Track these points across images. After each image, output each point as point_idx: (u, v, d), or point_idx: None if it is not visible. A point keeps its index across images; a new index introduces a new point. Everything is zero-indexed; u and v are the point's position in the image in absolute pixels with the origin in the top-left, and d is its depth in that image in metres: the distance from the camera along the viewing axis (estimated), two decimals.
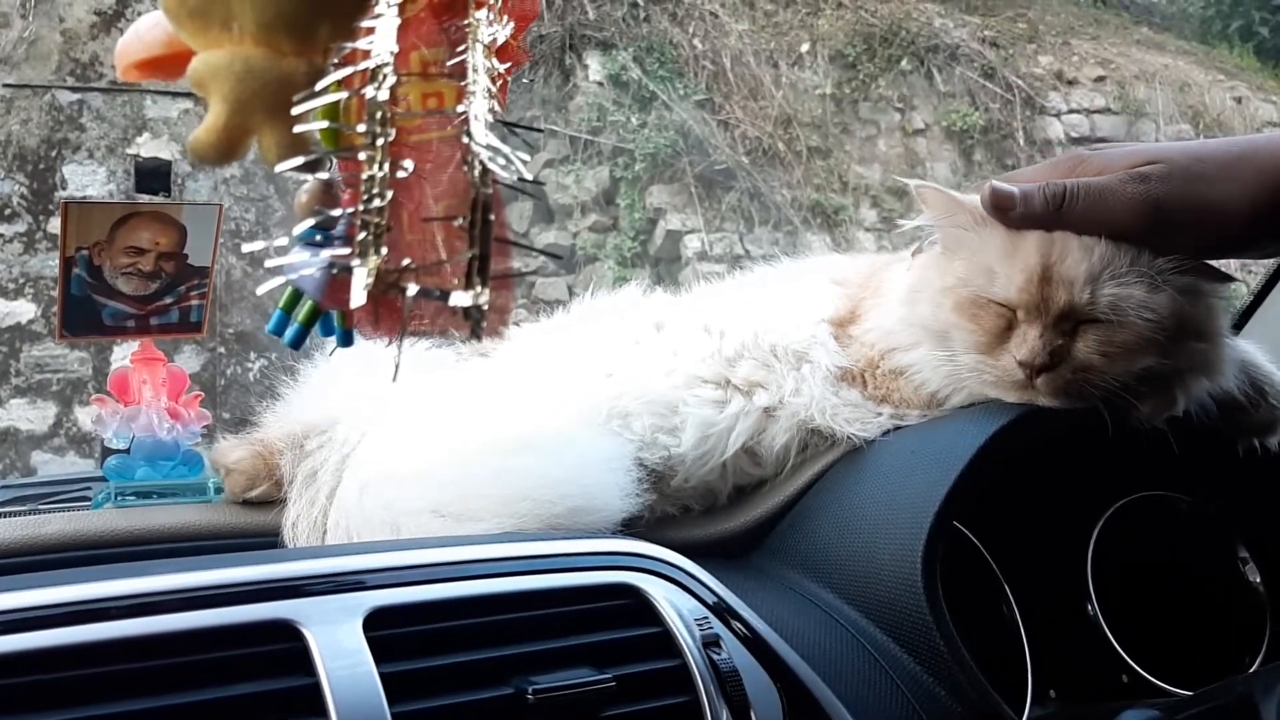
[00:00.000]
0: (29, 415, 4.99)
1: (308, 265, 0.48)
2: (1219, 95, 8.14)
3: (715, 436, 0.98)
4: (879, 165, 7.32)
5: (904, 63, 7.62)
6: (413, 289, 0.43)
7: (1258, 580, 0.99)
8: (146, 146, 5.39)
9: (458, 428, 0.95)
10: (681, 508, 1.00)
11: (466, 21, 0.51)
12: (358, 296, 0.43)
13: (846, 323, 1.03)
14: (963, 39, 8.01)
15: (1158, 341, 0.85)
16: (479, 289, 0.43)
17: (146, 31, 0.57)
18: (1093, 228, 0.84)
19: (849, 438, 0.94)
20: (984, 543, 0.94)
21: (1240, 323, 1.34)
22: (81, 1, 5.65)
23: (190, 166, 5.35)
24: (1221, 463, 0.96)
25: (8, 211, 5.23)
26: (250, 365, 5.19)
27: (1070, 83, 7.93)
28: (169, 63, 0.56)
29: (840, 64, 7.54)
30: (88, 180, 5.31)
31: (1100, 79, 8.03)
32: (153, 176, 5.24)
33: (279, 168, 0.48)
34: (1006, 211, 0.86)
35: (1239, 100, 8.20)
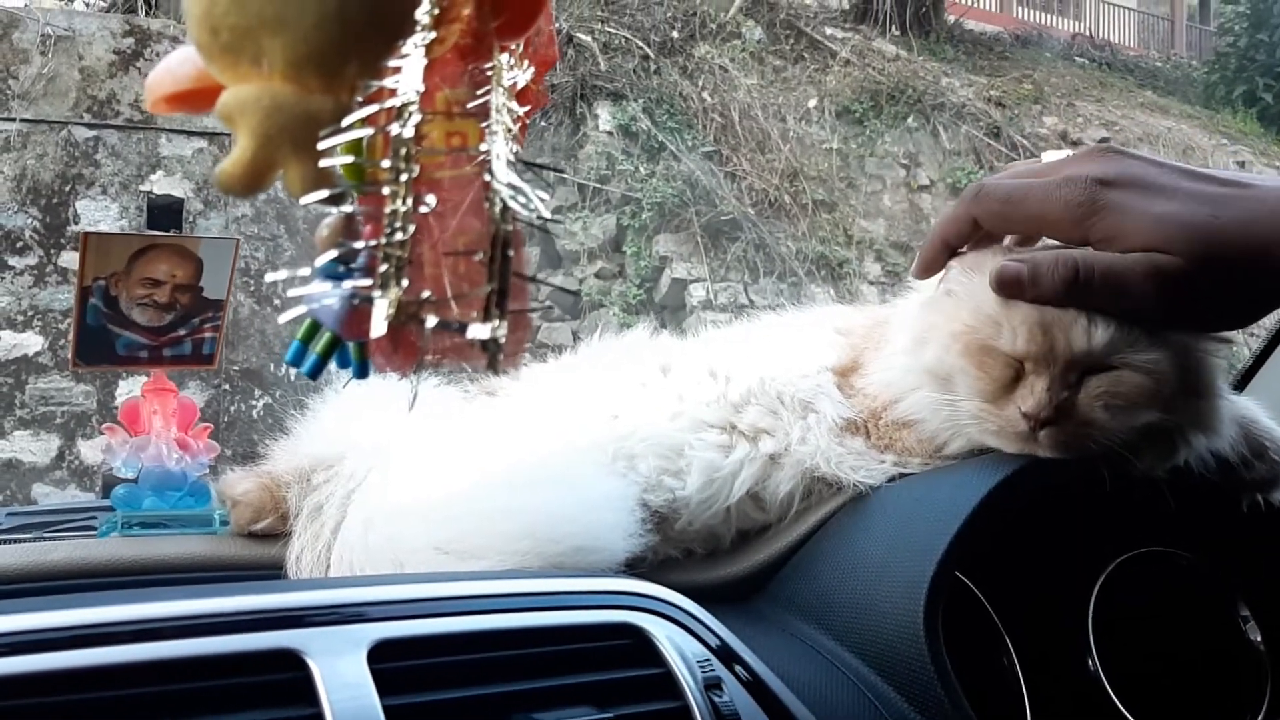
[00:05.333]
0: (32, 447, 5.00)
1: (328, 296, 0.49)
2: (1222, 159, 8.23)
3: (720, 481, 0.98)
4: (884, 220, 7.39)
5: (910, 120, 7.72)
6: (432, 321, 0.44)
7: (1258, 639, 0.99)
8: (160, 184, 5.46)
9: (463, 465, 0.95)
10: (685, 550, 1.00)
11: (490, 65, 0.53)
12: (378, 327, 0.44)
13: (849, 372, 1.04)
14: (968, 98, 8.12)
15: (1160, 395, 0.86)
16: (497, 322, 0.44)
17: (177, 66, 0.59)
18: (1102, 307, 0.84)
19: (854, 485, 0.95)
20: (986, 594, 0.94)
21: (1241, 383, 1.34)
22: (101, 40, 5.74)
23: (202, 204, 5.40)
24: (1223, 520, 0.96)
25: (20, 245, 5.28)
26: (255, 402, 5.20)
27: (1075, 143, 8.02)
28: (198, 96, 0.57)
29: (847, 120, 7.64)
30: (100, 215, 5.37)
31: (1104, 140, 8.12)
32: (165, 213, 5.30)
33: (304, 200, 0.49)
34: (1018, 292, 0.84)
35: (1242, 164, 8.29)
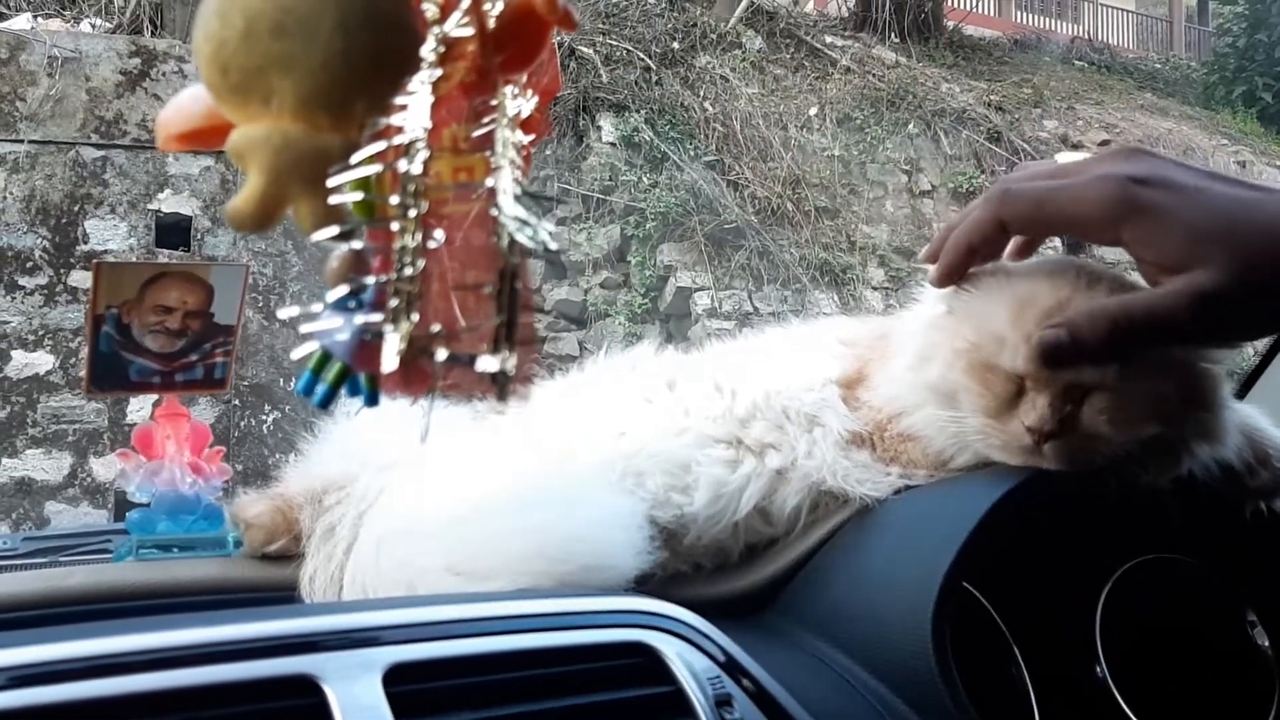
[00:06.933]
0: (44, 465, 5.02)
1: (339, 330, 0.50)
2: (1223, 160, 8.22)
3: (727, 496, 0.99)
4: (886, 225, 7.39)
5: (911, 126, 7.73)
6: (442, 354, 0.45)
7: (1266, 644, 0.99)
8: (167, 202, 5.48)
9: (472, 485, 0.96)
10: (693, 565, 1.01)
11: (495, 99, 0.54)
12: (389, 362, 0.45)
13: (854, 384, 1.04)
14: (969, 103, 8.13)
15: (1164, 410, 0.86)
16: (507, 354, 0.45)
17: (187, 104, 0.60)
18: (1149, 348, 0.83)
19: (861, 498, 0.96)
20: (993, 604, 0.95)
21: (1246, 386, 1.35)
22: (107, 61, 5.78)
23: (210, 222, 5.43)
24: (1229, 526, 0.96)
25: (30, 265, 5.31)
26: (265, 418, 5.21)
27: (1075, 146, 8.01)
28: (209, 135, 0.58)
29: (848, 127, 7.65)
30: (109, 235, 5.39)
31: (1104, 143, 8.12)
32: (173, 231, 5.32)
33: (314, 237, 0.50)
34: (1064, 359, 0.81)
35: (1242, 165, 8.28)
